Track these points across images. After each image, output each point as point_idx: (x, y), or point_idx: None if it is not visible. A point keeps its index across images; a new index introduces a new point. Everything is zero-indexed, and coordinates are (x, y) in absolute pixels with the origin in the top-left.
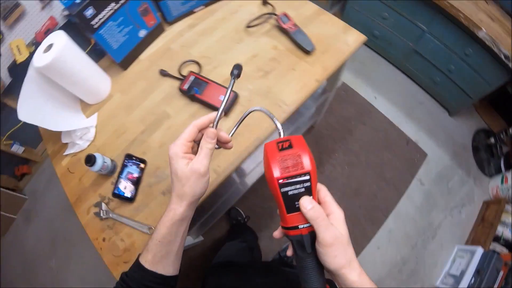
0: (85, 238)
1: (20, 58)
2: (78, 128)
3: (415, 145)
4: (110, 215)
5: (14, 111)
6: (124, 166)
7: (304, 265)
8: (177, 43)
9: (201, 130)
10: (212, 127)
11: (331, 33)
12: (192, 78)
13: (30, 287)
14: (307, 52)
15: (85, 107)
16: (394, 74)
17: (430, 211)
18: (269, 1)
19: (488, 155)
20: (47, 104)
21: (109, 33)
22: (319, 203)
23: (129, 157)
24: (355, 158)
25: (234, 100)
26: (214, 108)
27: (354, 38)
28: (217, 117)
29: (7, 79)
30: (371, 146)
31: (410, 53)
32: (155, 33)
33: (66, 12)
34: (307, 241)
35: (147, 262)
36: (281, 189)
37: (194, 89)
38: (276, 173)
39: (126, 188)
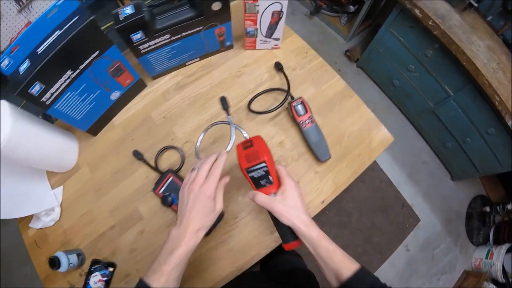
0: None
1: None
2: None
3: (410, 209)
4: None
5: None
6: (90, 271)
7: (276, 222)
8: (159, 111)
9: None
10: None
11: (355, 128)
12: (170, 180)
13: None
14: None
15: (51, 172)
16: (404, 125)
17: (409, 278)
18: (284, 70)
19: (480, 223)
20: (5, 181)
21: (68, 105)
22: (279, 178)
23: (96, 262)
24: (346, 219)
25: (219, 219)
26: None
27: (379, 139)
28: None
29: None
30: (365, 207)
31: (427, 113)
32: (133, 90)
33: None
34: None
35: (160, 284)
36: (249, 174)
37: (172, 197)
38: (244, 164)
39: None
